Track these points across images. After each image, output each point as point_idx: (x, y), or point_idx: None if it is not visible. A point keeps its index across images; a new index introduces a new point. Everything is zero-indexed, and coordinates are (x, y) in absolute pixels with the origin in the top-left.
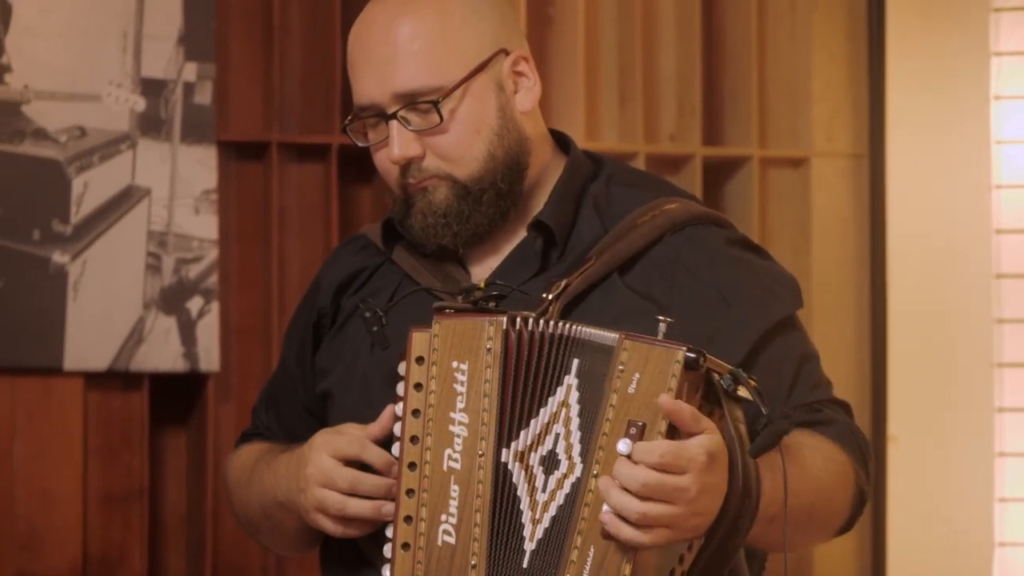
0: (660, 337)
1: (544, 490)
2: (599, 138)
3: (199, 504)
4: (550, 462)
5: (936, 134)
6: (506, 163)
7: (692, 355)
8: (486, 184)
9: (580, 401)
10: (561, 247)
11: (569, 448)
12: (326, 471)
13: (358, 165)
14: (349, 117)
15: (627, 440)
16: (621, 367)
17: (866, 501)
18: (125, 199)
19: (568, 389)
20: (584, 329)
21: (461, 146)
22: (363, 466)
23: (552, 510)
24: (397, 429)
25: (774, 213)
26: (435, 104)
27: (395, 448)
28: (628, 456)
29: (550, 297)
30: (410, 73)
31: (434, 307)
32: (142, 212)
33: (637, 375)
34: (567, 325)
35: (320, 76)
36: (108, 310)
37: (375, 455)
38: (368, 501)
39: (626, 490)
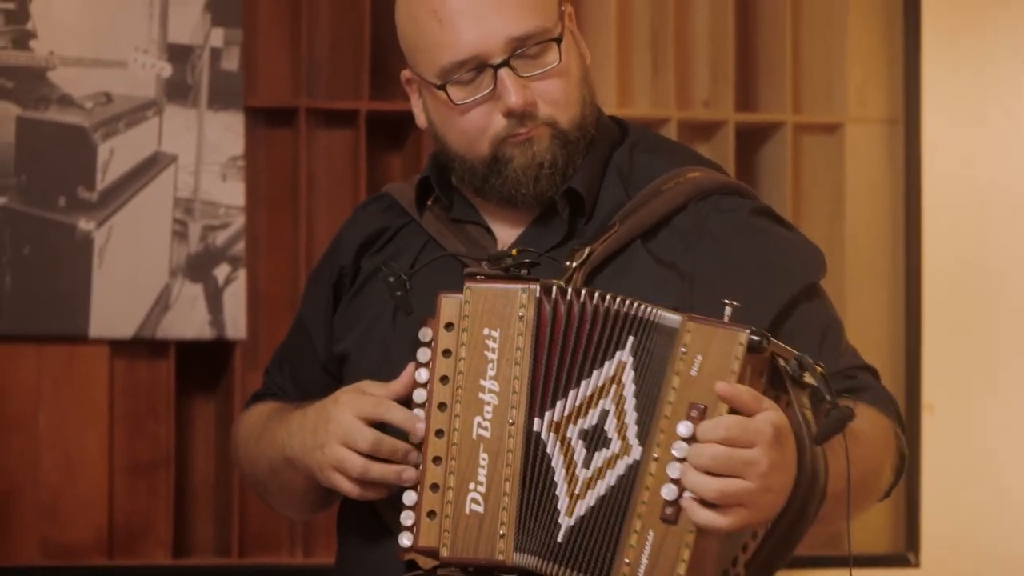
0: (725, 320)
1: (587, 466)
2: (632, 104)
3: (227, 473)
4: (595, 438)
5: (972, 98)
6: (592, 108)
7: (756, 338)
8: (583, 131)
9: (637, 381)
10: (588, 214)
11: (623, 428)
12: (349, 430)
13: (387, 131)
14: (440, 78)
15: (688, 423)
16: (684, 349)
17: (906, 464)
18: (151, 166)
19: (621, 366)
20: (645, 307)
21: (567, 88)
22: (384, 427)
23: (600, 489)
24: (417, 395)
25: (808, 179)
26: (557, 41)
27: (416, 413)
28: (689, 439)
29: (573, 265)
30: (524, 15)
31: (465, 272)
32: (168, 179)
33: (700, 357)
34: (626, 301)
35: (349, 41)
36: (134, 277)
37: (399, 416)
38: (390, 466)
39: (698, 470)
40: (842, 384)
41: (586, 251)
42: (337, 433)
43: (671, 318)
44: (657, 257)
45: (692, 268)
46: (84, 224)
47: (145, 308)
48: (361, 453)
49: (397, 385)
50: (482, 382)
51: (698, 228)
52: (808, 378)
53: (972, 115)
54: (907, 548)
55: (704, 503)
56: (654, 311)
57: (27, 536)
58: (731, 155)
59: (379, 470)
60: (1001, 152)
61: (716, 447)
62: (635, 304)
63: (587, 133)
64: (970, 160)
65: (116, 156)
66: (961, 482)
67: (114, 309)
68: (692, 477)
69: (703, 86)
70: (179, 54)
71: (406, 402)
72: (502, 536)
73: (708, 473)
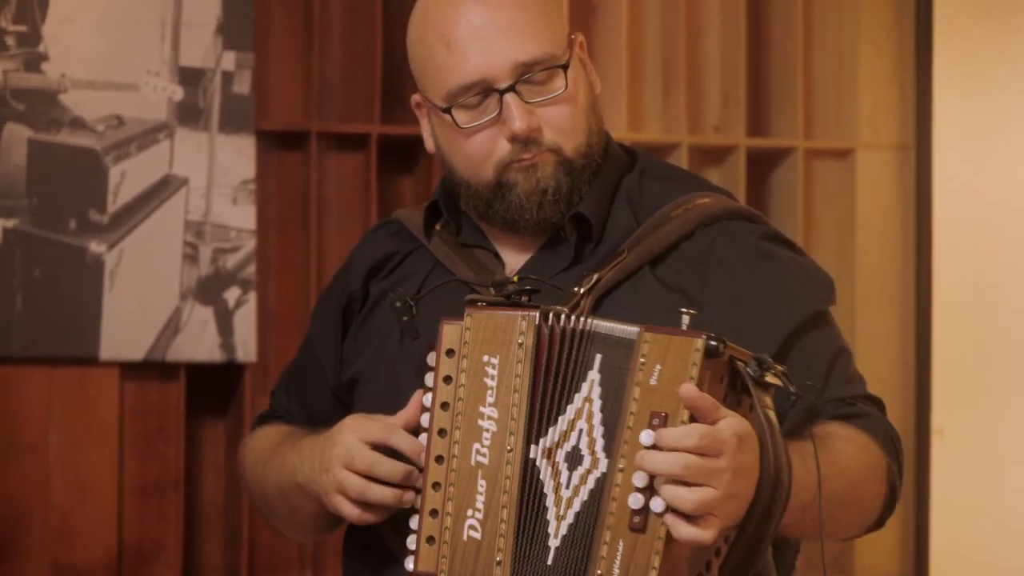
0: (684, 328)
1: (568, 486)
2: (642, 129)
3: (236, 495)
4: (574, 458)
5: (983, 125)
6: (598, 137)
7: (713, 343)
8: (588, 159)
9: (602, 396)
10: (596, 239)
11: (592, 443)
12: (350, 452)
13: (398, 155)
14: (446, 101)
15: (650, 431)
16: (643, 359)
17: (898, 498)
18: (162, 188)
19: (591, 384)
20: (604, 324)
21: (574, 116)
22: (392, 453)
23: (576, 506)
24: (425, 420)
25: (819, 205)
26: (564, 68)
27: (422, 439)
28: (652, 447)
29: (582, 291)
30: (531, 41)
31: (466, 299)
32: (179, 202)
33: (658, 366)
34: (589, 320)
35: (360, 64)
36: (145, 300)
37: (404, 442)
38: (389, 488)
39: (668, 477)
40: (841, 411)
41: (595, 277)
42: (340, 456)
43: (628, 330)
44: (665, 283)
45: (700, 294)
46: (95, 247)
47: (155, 331)
48: (361, 475)
49: (403, 415)
50: (481, 409)
51: (704, 254)
52: (770, 378)
53: (983, 140)
54: (916, 572)
55: (682, 517)
56: (611, 325)
57: (37, 558)
58: (742, 180)
59: (378, 492)
60: (1012, 178)
61: (688, 456)
62: (594, 321)
63: (593, 161)
64: (981, 186)
65: (127, 179)
66: (970, 506)
67: (124, 332)
68: (670, 490)
69: (714, 111)
70: (191, 77)
71: (415, 429)
72: (499, 563)
73: (679, 482)
